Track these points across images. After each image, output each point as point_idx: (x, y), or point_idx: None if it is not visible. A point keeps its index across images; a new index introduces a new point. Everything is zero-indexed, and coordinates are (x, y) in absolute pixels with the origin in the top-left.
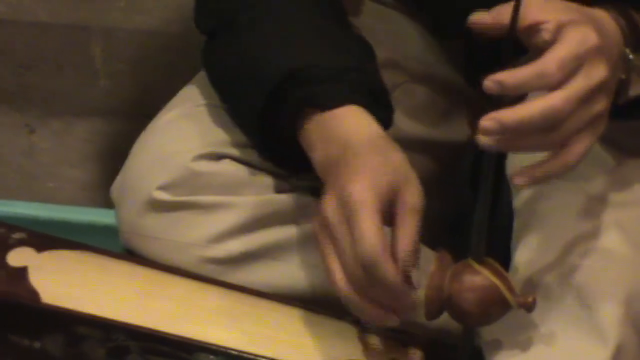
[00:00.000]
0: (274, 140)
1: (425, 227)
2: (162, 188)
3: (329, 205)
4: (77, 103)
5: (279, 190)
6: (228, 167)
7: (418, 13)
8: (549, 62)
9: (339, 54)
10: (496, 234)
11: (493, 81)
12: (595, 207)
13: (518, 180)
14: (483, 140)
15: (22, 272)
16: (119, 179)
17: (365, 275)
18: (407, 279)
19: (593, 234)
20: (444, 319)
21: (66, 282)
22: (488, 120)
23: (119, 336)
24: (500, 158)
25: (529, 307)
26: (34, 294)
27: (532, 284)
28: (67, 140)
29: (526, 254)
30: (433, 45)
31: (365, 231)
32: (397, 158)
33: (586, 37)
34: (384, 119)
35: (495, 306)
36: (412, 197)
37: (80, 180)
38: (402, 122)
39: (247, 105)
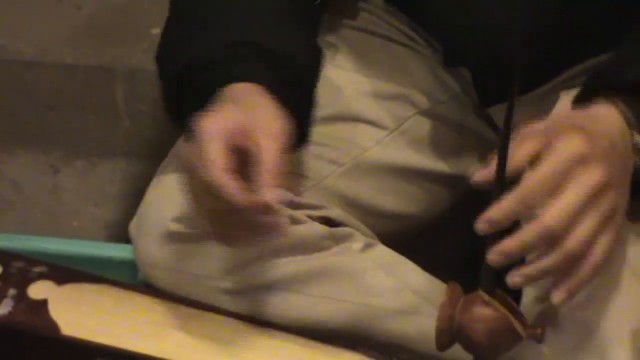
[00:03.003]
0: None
1: (441, 262)
2: (176, 220)
3: (187, 142)
4: (100, 144)
5: (293, 221)
6: None
7: (428, 42)
8: (528, 186)
9: (235, 29)
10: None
11: (484, 222)
12: None
13: (556, 296)
14: (513, 280)
15: (43, 304)
16: (136, 215)
17: (216, 200)
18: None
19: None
20: (457, 351)
21: (85, 314)
22: (494, 255)
23: None
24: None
25: (539, 338)
26: (54, 326)
27: (542, 318)
28: (91, 180)
29: (536, 289)
30: (443, 83)
31: (207, 158)
32: (264, 103)
33: (567, 149)
34: (281, 80)
35: (505, 337)
36: (269, 126)
37: (103, 219)
38: (409, 153)
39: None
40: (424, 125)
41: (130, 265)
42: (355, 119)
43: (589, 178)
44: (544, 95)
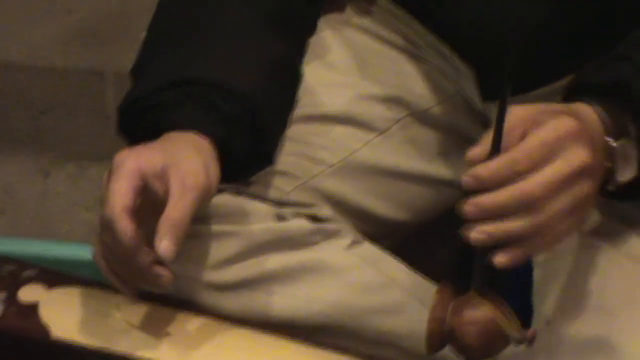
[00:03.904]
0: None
1: (432, 266)
2: None
3: (105, 174)
4: (90, 147)
5: (278, 218)
6: (229, 199)
7: (431, 44)
8: (518, 151)
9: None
10: (512, 285)
11: (470, 176)
12: (622, 263)
13: (499, 260)
14: (475, 236)
15: (33, 307)
16: None
17: (110, 234)
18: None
19: (623, 290)
20: (447, 353)
21: (75, 317)
22: (469, 206)
23: None
24: None
25: (529, 341)
26: (45, 329)
27: (562, 339)
28: (81, 183)
29: (551, 307)
30: (437, 86)
31: (111, 190)
32: (186, 150)
33: (559, 125)
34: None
35: (496, 340)
36: (183, 175)
37: (94, 223)
38: (398, 155)
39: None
40: (414, 128)
41: None
42: (345, 120)
43: (576, 157)
44: (544, 98)
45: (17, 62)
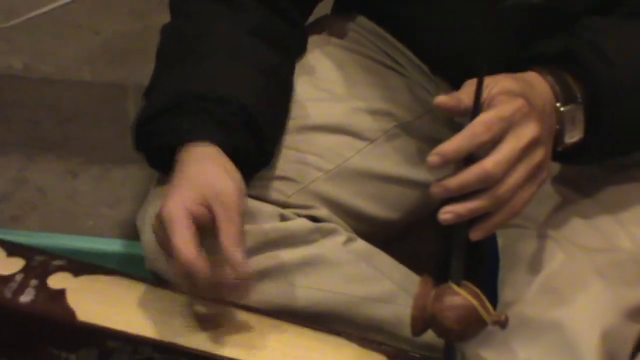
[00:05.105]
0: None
1: (420, 260)
2: None
3: (155, 222)
4: (113, 152)
5: (282, 218)
6: None
7: (411, 61)
8: (477, 125)
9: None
10: (485, 276)
11: (435, 155)
12: (573, 252)
13: (474, 235)
14: (444, 217)
15: (61, 293)
16: (142, 208)
17: (192, 278)
18: (240, 267)
19: (573, 276)
20: (430, 337)
21: (99, 302)
22: (436, 188)
23: (145, 349)
24: None
25: (503, 324)
26: (71, 313)
27: (518, 319)
28: (105, 184)
29: (512, 292)
30: (420, 99)
31: (177, 246)
32: (211, 170)
33: (511, 101)
34: (227, 139)
35: (473, 323)
36: (224, 200)
37: (116, 219)
38: (387, 162)
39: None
40: (400, 137)
41: (139, 259)
42: (338, 130)
43: (527, 131)
44: None
45: (49, 77)
